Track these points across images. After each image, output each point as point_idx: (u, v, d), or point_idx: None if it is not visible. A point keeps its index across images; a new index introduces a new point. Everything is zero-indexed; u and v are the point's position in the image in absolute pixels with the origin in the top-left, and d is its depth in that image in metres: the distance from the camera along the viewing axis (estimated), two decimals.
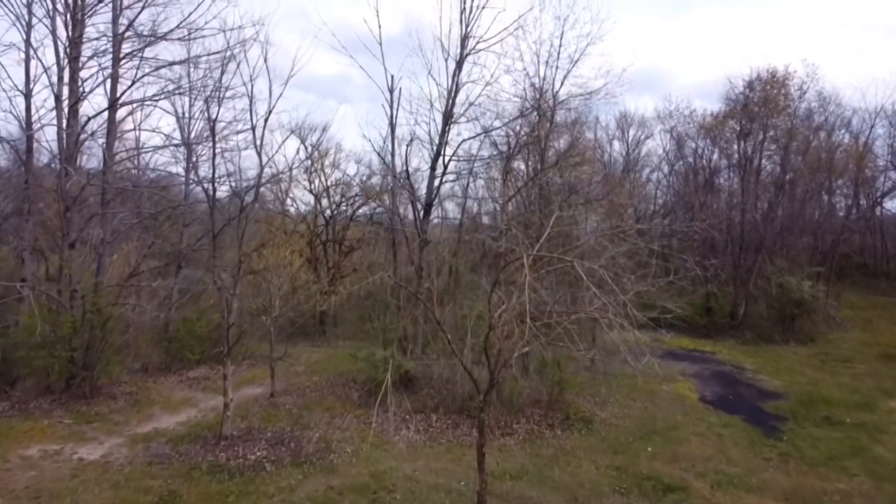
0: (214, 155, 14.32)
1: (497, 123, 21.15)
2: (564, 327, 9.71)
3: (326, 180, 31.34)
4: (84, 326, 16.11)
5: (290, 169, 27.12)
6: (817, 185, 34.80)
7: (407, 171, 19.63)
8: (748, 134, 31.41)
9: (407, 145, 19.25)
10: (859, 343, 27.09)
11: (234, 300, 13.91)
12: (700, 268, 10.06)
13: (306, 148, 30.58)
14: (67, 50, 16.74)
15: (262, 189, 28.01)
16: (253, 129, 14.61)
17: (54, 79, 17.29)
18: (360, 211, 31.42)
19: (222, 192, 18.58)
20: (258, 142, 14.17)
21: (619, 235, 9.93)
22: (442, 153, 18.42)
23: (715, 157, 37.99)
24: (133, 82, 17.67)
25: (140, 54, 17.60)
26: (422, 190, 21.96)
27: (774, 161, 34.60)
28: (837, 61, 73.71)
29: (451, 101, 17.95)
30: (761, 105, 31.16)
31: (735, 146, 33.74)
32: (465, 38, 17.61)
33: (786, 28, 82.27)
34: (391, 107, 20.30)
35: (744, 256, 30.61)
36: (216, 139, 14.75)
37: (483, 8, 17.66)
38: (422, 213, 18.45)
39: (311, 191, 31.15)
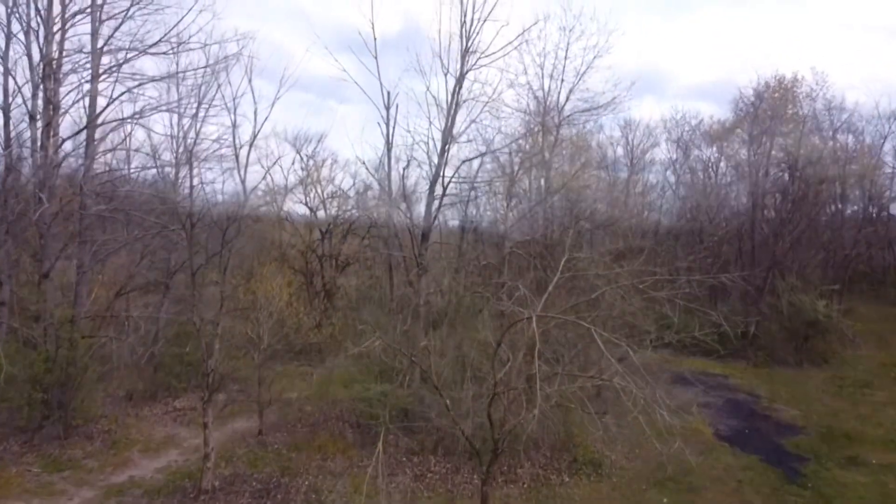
0: (192, 187, 13.22)
1: (499, 138, 20.12)
2: (574, 392, 8.71)
3: (322, 192, 30.41)
4: (58, 363, 15.04)
5: (287, 188, 26.06)
6: (827, 194, 33.72)
7: (404, 192, 18.56)
8: (760, 145, 30.34)
9: (404, 168, 18.21)
10: (875, 364, 26.08)
11: (217, 341, 12.83)
12: (730, 324, 9.00)
13: (302, 158, 29.64)
14: (40, 68, 15.69)
15: (256, 199, 27.01)
16: (236, 155, 13.53)
17: (29, 97, 16.34)
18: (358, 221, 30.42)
19: (209, 212, 17.42)
20: (241, 171, 13.06)
21: (639, 286, 8.90)
22: (441, 174, 17.37)
23: (722, 164, 37.04)
24: (111, 100, 16.64)
25: (117, 72, 16.51)
26: (420, 209, 20.86)
27: (783, 168, 33.56)
28: (839, 62, 72.86)
29: (450, 120, 16.89)
30: (770, 112, 30.13)
31: (743, 154, 32.76)
32: (465, 54, 16.54)
33: (787, 29, 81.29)
34: (387, 125, 19.22)
35: (754, 273, 29.47)
36: (194, 166, 13.65)
37: (484, 21, 16.61)
38: (419, 239, 17.37)
39: (306, 203, 30.21)
